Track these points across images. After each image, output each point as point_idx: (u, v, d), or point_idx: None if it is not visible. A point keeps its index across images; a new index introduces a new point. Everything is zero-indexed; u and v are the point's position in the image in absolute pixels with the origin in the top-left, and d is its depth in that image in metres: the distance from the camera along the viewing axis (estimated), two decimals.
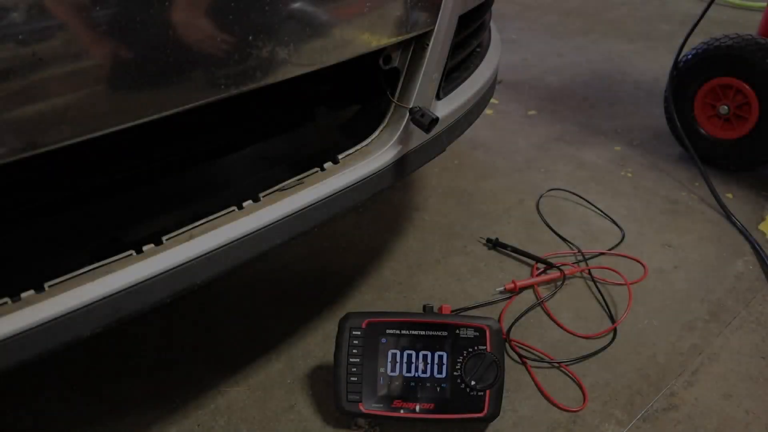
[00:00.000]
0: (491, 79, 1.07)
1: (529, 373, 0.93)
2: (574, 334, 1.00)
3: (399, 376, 0.82)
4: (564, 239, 1.22)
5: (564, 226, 1.26)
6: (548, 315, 1.03)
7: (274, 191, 0.73)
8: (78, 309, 0.58)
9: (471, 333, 0.83)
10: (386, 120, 0.84)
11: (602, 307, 1.06)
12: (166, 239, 0.65)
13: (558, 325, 1.01)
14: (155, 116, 0.56)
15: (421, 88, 0.82)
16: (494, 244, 1.19)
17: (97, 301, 0.59)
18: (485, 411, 0.80)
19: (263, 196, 0.72)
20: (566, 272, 1.11)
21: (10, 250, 1.01)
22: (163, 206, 0.94)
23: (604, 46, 2.30)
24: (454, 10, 0.80)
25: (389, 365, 0.82)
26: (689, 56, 1.45)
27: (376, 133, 0.84)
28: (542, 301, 1.06)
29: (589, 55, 2.21)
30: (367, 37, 0.71)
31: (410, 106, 0.81)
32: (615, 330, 1.00)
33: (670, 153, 1.56)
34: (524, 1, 2.82)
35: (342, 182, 0.77)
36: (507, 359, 0.90)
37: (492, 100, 1.42)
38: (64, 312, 0.57)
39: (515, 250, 1.17)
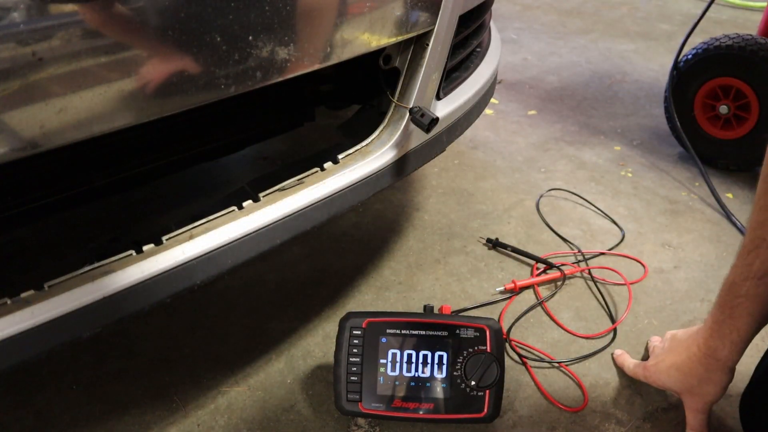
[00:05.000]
0: (491, 79, 1.07)
1: (529, 373, 0.93)
2: (575, 335, 1.00)
3: (399, 376, 0.82)
4: (564, 239, 1.22)
5: (564, 226, 1.26)
6: (548, 315, 1.03)
7: (274, 191, 0.73)
8: (78, 309, 0.58)
9: (471, 333, 0.83)
10: (386, 120, 0.84)
11: (602, 307, 1.06)
12: (166, 239, 0.65)
13: (558, 325, 1.01)
14: (155, 116, 0.57)
15: (421, 88, 0.82)
16: (494, 244, 1.19)
17: (97, 301, 0.59)
18: (485, 411, 0.80)
19: (263, 196, 0.72)
20: (566, 272, 1.11)
21: (10, 250, 1.01)
22: (163, 206, 0.94)
23: (604, 45, 2.30)
24: (454, 10, 0.80)
25: (389, 365, 0.82)
26: (689, 56, 1.45)
27: (376, 133, 0.84)
28: (542, 301, 1.06)
29: (589, 55, 2.21)
30: (367, 37, 0.71)
31: (410, 106, 0.81)
32: (615, 330, 1.00)
33: (670, 153, 1.56)
34: (524, 1, 2.82)
35: (342, 182, 0.77)
36: (507, 359, 0.90)
37: (492, 100, 1.42)
38: (64, 312, 0.57)
39: (515, 250, 1.17)
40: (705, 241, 1.23)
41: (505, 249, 1.18)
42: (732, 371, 0.71)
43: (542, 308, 1.05)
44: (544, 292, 1.09)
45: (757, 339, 0.99)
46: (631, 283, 1.10)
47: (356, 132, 0.86)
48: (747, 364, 0.78)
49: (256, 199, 0.72)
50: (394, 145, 0.83)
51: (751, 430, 0.80)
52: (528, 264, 1.15)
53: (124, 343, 0.97)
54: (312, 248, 1.18)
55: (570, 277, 1.12)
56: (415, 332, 0.83)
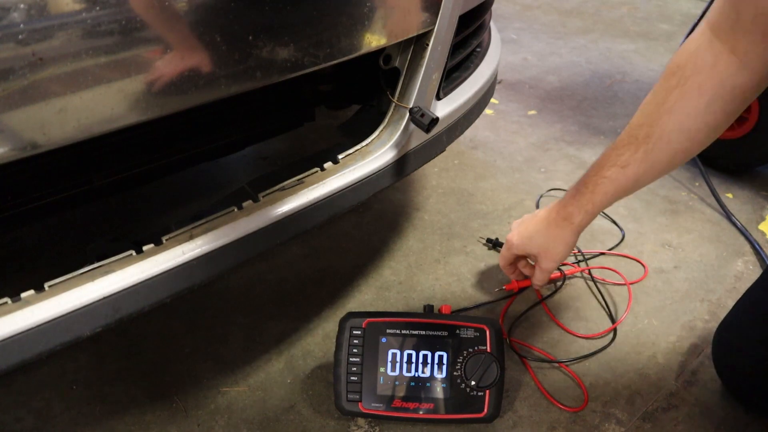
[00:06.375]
0: (491, 79, 1.07)
1: (530, 373, 0.93)
2: (575, 335, 1.00)
3: (399, 376, 0.82)
4: None
5: None
6: (548, 315, 1.03)
7: (274, 191, 0.73)
8: (78, 309, 0.58)
9: (471, 333, 0.83)
10: (386, 120, 0.84)
11: (602, 306, 1.06)
12: (166, 239, 0.65)
13: (558, 324, 1.01)
14: (155, 116, 0.56)
15: (421, 88, 0.82)
16: (494, 244, 1.19)
17: (97, 301, 0.59)
18: (485, 411, 0.80)
19: (263, 196, 0.72)
20: (566, 272, 1.11)
21: (10, 250, 1.01)
22: (163, 206, 0.94)
23: (604, 45, 2.30)
24: (454, 10, 0.80)
25: (389, 365, 0.82)
26: None
27: (376, 133, 0.84)
28: (542, 300, 1.06)
29: (589, 55, 2.21)
30: (367, 37, 0.71)
31: (410, 106, 0.81)
32: (615, 330, 1.00)
33: None
34: (524, 1, 2.82)
35: (342, 182, 0.77)
36: (507, 359, 0.90)
37: (492, 100, 1.42)
38: (64, 312, 0.57)
39: None
40: (705, 241, 1.23)
41: None
42: (578, 234, 0.85)
43: (542, 308, 1.05)
44: (544, 291, 1.09)
45: (733, 282, 0.99)
46: (631, 283, 1.10)
47: (356, 132, 0.86)
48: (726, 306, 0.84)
49: (256, 199, 0.72)
50: (394, 145, 0.83)
51: (721, 363, 0.89)
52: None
53: (124, 343, 0.97)
54: (312, 248, 1.18)
55: (570, 277, 1.12)
56: (415, 332, 0.83)
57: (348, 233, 1.23)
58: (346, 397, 0.81)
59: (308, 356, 0.95)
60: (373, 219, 1.27)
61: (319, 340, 0.98)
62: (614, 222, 1.28)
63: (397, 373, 0.82)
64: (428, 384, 0.82)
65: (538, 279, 0.92)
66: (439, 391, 0.81)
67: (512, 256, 0.95)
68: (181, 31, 0.54)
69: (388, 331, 0.83)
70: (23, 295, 0.57)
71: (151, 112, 0.56)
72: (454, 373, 0.81)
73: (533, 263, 0.94)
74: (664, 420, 0.87)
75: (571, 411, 0.87)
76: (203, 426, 0.85)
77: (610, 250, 1.20)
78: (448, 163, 1.49)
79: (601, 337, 1.00)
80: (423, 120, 0.79)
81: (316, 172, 0.77)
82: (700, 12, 1.43)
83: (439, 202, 1.34)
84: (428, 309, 0.97)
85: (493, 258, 1.17)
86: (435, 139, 0.91)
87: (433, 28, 0.78)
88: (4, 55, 0.45)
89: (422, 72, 0.80)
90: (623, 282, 1.10)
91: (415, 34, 0.77)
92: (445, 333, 0.83)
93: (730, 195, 1.39)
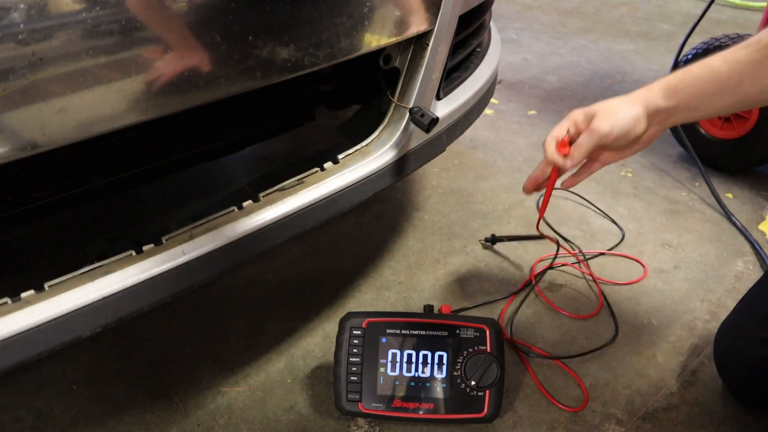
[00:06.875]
0: (491, 79, 1.07)
1: (530, 372, 0.93)
2: (568, 314, 1.03)
3: (399, 376, 0.82)
4: (564, 239, 1.22)
5: (564, 226, 1.26)
6: (543, 299, 1.03)
7: (274, 191, 0.73)
8: (78, 309, 0.58)
9: (471, 333, 0.83)
10: (386, 120, 0.84)
11: (598, 299, 1.06)
12: (166, 239, 0.65)
13: (552, 307, 1.03)
14: (155, 116, 0.56)
15: (421, 88, 0.82)
16: (493, 241, 1.19)
17: (97, 301, 0.59)
18: (485, 411, 0.80)
19: (263, 196, 0.72)
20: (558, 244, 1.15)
21: (10, 250, 1.01)
22: (163, 206, 0.94)
23: (604, 45, 2.30)
24: (454, 10, 0.80)
25: (389, 365, 0.82)
26: (689, 56, 1.45)
27: (376, 133, 0.84)
28: (535, 284, 1.09)
29: (589, 55, 2.21)
30: (367, 37, 0.71)
31: (410, 106, 0.81)
32: (616, 328, 1.00)
33: (670, 153, 1.55)
34: (524, 1, 2.83)
35: (342, 182, 0.77)
36: (507, 359, 0.90)
37: (492, 100, 1.42)
38: (64, 312, 0.57)
39: (512, 238, 1.19)
40: (705, 241, 1.23)
41: (503, 241, 1.19)
42: (643, 112, 0.74)
43: (540, 307, 1.05)
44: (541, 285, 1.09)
45: (733, 282, 1.00)
46: (631, 283, 1.11)
47: (356, 132, 0.86)
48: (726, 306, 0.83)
49: (256, 199, 0.72)
50: (394, 145, 0.83)
51: (722, 363, 0.89)
52: (528, 262, 1.15)
53: (124, 343, 0.97)
54: (312, 248, 1.18)
55: (569, 272, 1.12)
56: (415, 332, 0.83)
57: (348, 233, 1.23)
58: (346, 397, 0.81)
59: (308, 356, 0.95)
60: (373, 219, 1.27)
61: (319, 340, 0.98)
62: (614, 222, 1.28)
63: (397, 373, 0.82)
64: (428, 384, 0.82)
65: (582, 143, 0.77)
66: (439, 391, 0.81)
67: (568, 122, 0.79)
68: (181, 31, 0.54)
69: (388, 331, 0.83)
70: (23, 295, 0.57)
71: (151, 112, 0.56)
72: (454, 373, 0.81)
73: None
74: (664, 420, 0.87)
75: (571, 411, 0.87)
76: (203, 426, 0.85)
77: (610, 250, 1.20)
78: (448, 163, 1.49)
79: (594, 317, 1.00)
80: (423, 120, 0.79)
81: (316, 172, 0.77)
82: (700, 12, 1.43)
83: (439, 202, 1.34)
84: (428, 309, 0.97)
85: (492, 258, 1.17)
86: (435, 139, 0.91)
87: (433, 28, 0.78)
88: (4, 55, 0.45)
89: (422, 72, 0.80)
90: (623, 282, 1.11)
91: (415, 34, 0.77)
92: (445, 333, 0.83)
93: (730, 195, 1.39)
